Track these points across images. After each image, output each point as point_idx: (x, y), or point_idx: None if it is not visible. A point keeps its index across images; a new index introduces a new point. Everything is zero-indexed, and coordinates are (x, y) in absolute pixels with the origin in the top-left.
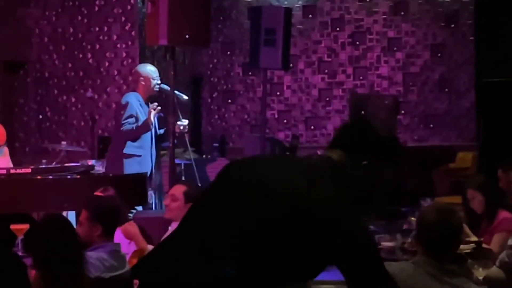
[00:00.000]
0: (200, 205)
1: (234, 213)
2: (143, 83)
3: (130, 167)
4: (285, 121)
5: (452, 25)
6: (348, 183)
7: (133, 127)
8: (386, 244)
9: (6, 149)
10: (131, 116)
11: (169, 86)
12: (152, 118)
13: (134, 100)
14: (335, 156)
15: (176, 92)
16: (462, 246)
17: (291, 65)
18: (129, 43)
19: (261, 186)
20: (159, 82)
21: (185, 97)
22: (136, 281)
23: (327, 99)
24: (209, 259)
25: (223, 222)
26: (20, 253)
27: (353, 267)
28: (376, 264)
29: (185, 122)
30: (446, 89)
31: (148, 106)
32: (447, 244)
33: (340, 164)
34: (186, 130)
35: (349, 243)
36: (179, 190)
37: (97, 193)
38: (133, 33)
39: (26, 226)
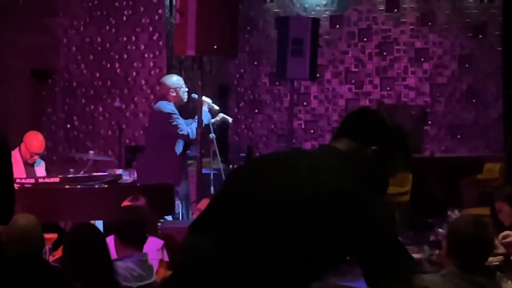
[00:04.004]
0: (207, 211)
1: (237, 216)
2: (173, 94)
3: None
4: (311, 131)
5: (480, 36)
6: (356, 170)
7: (191, 127)
8: (413, 255)
9: (43, 163)
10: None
11: (197, 94)
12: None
13: (174, 108)
14: (340, 146)
15: (208, 101)
16: (490, 258)
17: (318, 75)
18: (157, 53)
19: (262, 182)
20: (187, 90)
21: (216, 107)
22: None
23: (354, 109)
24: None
25: (229, 221)
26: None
27: (369, 254)
28: (392, 249)
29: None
30: (474, 100)
31: None
32: (481, 256)
33: (346, 152)
34: (214, 138)
35: (359, 228)
36: (206, 204)
37: (126, 202)
38: (160, 43)
39: (54, 236)
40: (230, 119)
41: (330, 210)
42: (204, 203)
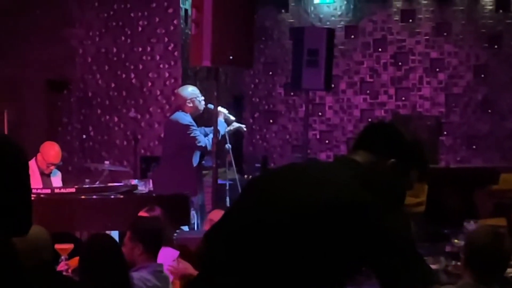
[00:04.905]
0: (223, 221)
1: (252, 227)
2: (190, 105)
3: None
4: (326, 141)
5: (495, 46)
6: (374, 182)
7: (208, 139)
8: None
9: (59, 173)
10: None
11: (213, 105)
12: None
13: (191, 119)
14: (358, 158)
15: (224, 112)
16: (508, 270)
17: (333, 85)
18: (172, 63)
19: (279, 194)
20: (203, 98)
21: (232, 118)
22: None
23: (369, 119)
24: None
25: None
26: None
27: (387, 265)
28: (410, 260)
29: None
30: (489, 110)
31: None
32: (498, 268)
33: (365, 164)
34: (230, 149)
35: (377, 239)
36: (218, 215)
37: (142, 212)
38: (176, 53)
39: (70, 246)
40: (244, 127)
41: (348, 221)
42: (215, 214)
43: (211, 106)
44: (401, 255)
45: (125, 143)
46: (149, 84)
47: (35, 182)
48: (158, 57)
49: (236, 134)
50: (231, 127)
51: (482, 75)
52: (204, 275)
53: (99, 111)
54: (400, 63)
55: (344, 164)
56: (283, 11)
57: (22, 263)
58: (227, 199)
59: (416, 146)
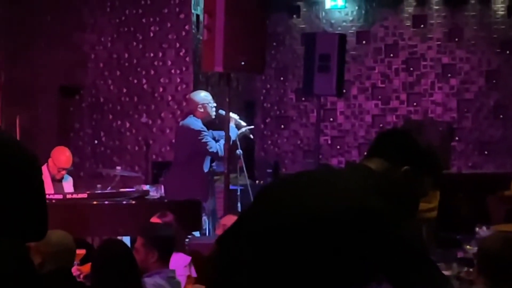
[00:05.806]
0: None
1: (268, 233)
2: (201, 110)
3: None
4: (338, 147)
5: (507, 52)
6: (388, 190)
7: (219, 144)
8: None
9: (70, 179)
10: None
11: (224, 110)
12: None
13: (202, 124)
14: (372, 165)
15: (235, 117)
16: None
17: (344, 91)
18: (184, 68)
19: (293, 201)
20: (215, 105)
21: (243, 123)
22: None
23: (381, 125)
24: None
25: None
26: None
27: (401, 273)
28: (424, 268)
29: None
30: (501, 116)
31: None
32: (511, 274)
33: (379, 171)
34: (241, 154)
35: (391, 247)
36: (231, 220)
37: (155, 218)
38: (187, 58)
39: (82, 252)
40: (249, 130)
41: (361, 228)
42: (227, 219)
43: (222, 112)
44: (414, 261)
45: (136, 148)
46: (161, 89)
47: (47, 188)
48: (169, 63)
49: (246, 139)
50: (239, 132)
51: (494, 81)
52: (217, 281)
53: (110, 117)
54: (411, 69)
55: (357, 171)
56: (294, 16)
57: (35, 267)
58: (239, 204)
59: (429, 153)
